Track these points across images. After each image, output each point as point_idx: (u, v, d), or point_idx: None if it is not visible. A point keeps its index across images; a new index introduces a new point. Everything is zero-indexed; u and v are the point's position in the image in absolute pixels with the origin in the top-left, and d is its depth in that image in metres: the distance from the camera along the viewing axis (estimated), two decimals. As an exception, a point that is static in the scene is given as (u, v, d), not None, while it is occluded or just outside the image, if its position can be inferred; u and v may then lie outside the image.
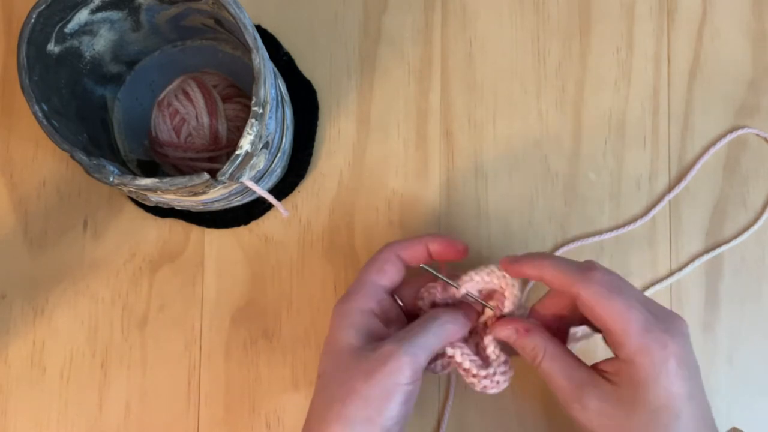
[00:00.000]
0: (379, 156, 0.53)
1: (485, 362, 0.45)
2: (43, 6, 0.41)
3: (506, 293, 0.45)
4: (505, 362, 0.45)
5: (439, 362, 0.45)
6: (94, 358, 0.52)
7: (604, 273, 0.41)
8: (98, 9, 0.45)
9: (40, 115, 0.42)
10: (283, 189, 0.52)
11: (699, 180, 0.53)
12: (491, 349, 0.45)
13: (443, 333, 0.43)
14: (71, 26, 0.44)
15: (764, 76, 0.54)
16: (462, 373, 0.45)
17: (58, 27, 0.43)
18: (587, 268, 0.42)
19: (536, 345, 0.43)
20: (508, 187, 0.53)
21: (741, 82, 0.54)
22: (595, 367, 0.42)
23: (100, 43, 0.47)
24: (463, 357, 0.44)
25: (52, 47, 0.44)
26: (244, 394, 0.52)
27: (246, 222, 0.53)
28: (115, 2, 0.45)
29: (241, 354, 0.52)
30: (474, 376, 0.44)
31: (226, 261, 0.53)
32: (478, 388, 0.45)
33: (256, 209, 0.52)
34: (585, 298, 0.40)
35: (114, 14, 0.46)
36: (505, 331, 0.44)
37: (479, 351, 0.45)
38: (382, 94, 0.54)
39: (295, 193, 0.53)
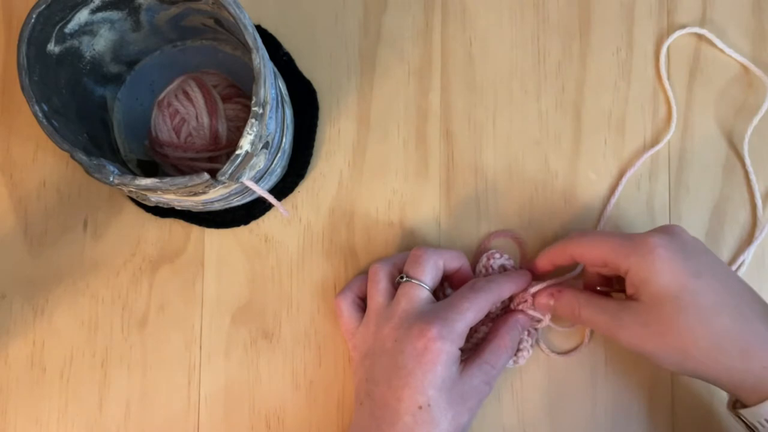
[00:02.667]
0: (379, 156, 0.53)
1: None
2: (43, 6, 0.41)
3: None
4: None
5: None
6: (94, 358, 0.52)
7: (576, 231, 0.49)
8: (98, 9, 0.45)
9: (40, 115, 0.42)
10: (283, 189, 0.52)
11: (699, 180, 0.53)
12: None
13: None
14: (71, 26, 0.44)
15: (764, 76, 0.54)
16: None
17: (58, 27, 0.43)
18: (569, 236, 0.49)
19: (571, 298, 0.48)
20: (508, 187, 0.53)
21: (741, 82, 0.54)
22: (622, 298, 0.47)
23: (100, 43, 0.47)
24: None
25: (52, 47, 0.44)
26: (244, 394, 0.52)
27: (246, 222, 0.53)
28: (115, 2, 0.45)
29: (241, 354, 0.52)
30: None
31: (226, 261, 0.53)
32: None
33: (256, 209, 0.52)
34: (575, 252, 0.47)
35: (114, 14, 0.46)
36: (544, 299, 0.49)
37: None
38: (382, 94, 0.54)
39: (295, 193, 0.53)
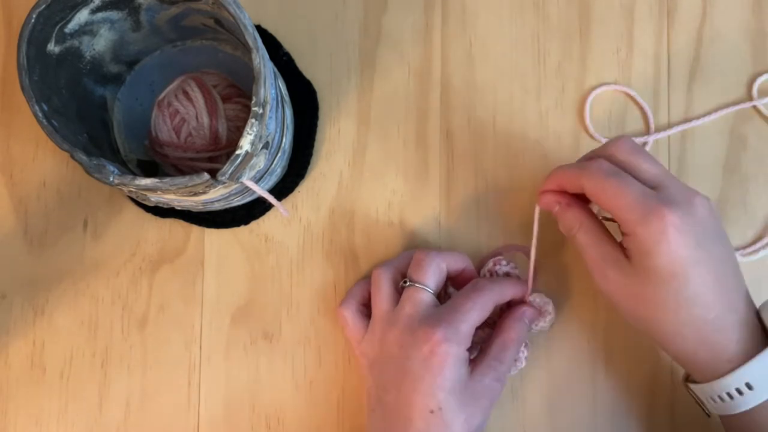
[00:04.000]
0: (379, 156, 0.53)
1: None
2: (43, 6, 0.41)
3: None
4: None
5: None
6: (94, 358, 0.52)
7: (601, 162, 0.43)
8: (98, 9, 0.45)
9: (40, 115, 0.42)
10: (283, 189, 0.53)
11: (699, 180, 0.53)
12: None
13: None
14: (71, 26, 0.44)
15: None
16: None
17: (58, 27, 0.43)
18: (588, 158, 0.45)
19: (574, 218, 0.45)
20: (508, 187, 0.53)
21: (741, 82, 0.54)
22: (621, 244, 0.44)
23: (100, 43, 0.47)
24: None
25: (52, 47, 0.44)
26: (244, 394, 0.52)
27: (246, 222, 0.53)
28: (115, 2, 0.45)
29: (241, 354, 0.52)
30: None
31: (226, 261, 0.53)
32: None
33: (256, 209, 0.52)
34: (587, 188, 0.43)
35: (114, 14, 0.46)
36: (551, 198, 0.46)
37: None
38: (382, 94, 0.54)
39: (295, 193, 0.53)
